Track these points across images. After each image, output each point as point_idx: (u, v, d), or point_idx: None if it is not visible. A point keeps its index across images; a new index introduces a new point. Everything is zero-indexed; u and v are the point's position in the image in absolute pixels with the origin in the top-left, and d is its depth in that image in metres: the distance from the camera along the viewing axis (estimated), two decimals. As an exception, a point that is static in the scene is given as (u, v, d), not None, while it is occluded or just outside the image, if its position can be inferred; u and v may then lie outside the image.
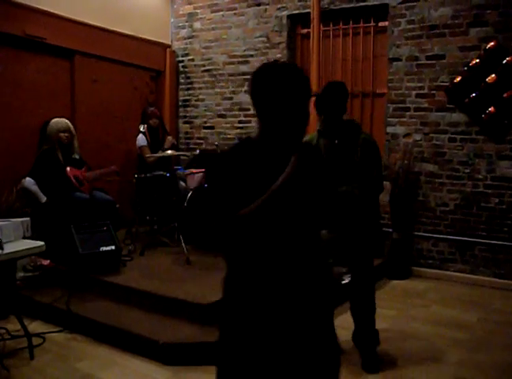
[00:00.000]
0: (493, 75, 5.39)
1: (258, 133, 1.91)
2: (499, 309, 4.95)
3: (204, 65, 7.63)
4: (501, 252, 5.55)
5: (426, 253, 5.98)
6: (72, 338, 4.22)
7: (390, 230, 5.97)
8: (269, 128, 1.84)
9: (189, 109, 7.87)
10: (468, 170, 5.68)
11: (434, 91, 5.82)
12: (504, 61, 5.34)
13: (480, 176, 5.63)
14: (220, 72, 7.47)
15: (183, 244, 5.29)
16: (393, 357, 3.84)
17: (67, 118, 5.57)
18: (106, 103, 6.86)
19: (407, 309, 4.91)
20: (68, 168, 5.29)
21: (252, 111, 7.06)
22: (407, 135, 6.02)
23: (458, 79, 5.61)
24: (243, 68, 7.22)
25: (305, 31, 6.85)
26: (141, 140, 6.29)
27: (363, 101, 6.53)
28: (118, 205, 5.59)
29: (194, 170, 5.85)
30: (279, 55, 6.88)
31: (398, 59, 6.01)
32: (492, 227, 5.59)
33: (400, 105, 6.04)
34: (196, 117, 7.80)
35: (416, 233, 6.01)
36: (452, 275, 5.80)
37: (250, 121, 7.19)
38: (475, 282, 5.64)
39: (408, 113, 6.01)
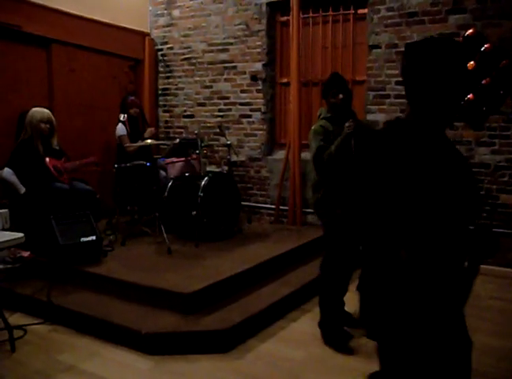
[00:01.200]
0: (472, 62, 5.41)
1: (410, 113, 1.77)
2: (480, 294, 5.00)
3: (183, 54, 7.57)
4: (480, 237, 5.60)
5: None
6: (53, 330, 4.19)
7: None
8: (426, 108, 1.71)
9: (168, 98, 7.82)
10: (447, 157, 5.72)
11: (413, 79, 5.83)
12: (482, 49, 5.36)
13: (459, 163, 5.67)
14: (200, 60, 7.42)
15: (164, 234, 5.28)
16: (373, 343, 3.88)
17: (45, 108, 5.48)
18: (84, 92, 6.78)
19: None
20: (47, 158, 5.22)
21: (232, 99, 7.04)
22: (387, 122, 6.04)
23: (437, 66, 5.63)
24: (223, 56, 7.18)
25: (284, 18, 6.82)
26: (121, 129, 6.22)
27: (343, 89, 6.52)
28: (98, 195, 5.54)
29: (175, 159, 5.83)
30: (258, 43, 6.85)
31: (378, 47, 6.01)
32: (471, 213, 5.64)
33: (380, 92, 6.05)
34: (175, 106, 7.76)
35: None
36: (432, 261, 5.85)
37: (230, 110, 7.16)
38: (454, 267, 5.70)
39: (388, 100, 6.02)
